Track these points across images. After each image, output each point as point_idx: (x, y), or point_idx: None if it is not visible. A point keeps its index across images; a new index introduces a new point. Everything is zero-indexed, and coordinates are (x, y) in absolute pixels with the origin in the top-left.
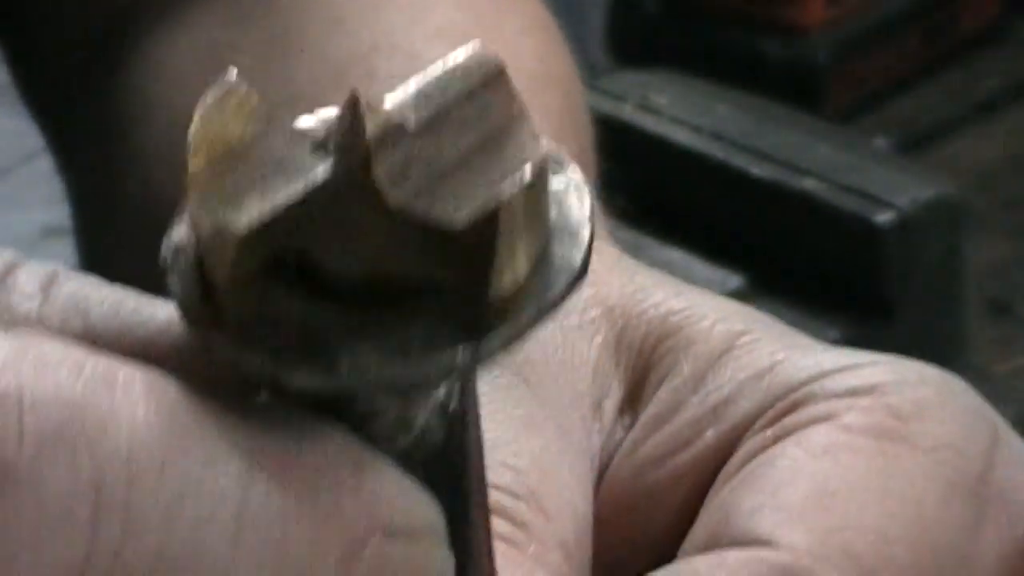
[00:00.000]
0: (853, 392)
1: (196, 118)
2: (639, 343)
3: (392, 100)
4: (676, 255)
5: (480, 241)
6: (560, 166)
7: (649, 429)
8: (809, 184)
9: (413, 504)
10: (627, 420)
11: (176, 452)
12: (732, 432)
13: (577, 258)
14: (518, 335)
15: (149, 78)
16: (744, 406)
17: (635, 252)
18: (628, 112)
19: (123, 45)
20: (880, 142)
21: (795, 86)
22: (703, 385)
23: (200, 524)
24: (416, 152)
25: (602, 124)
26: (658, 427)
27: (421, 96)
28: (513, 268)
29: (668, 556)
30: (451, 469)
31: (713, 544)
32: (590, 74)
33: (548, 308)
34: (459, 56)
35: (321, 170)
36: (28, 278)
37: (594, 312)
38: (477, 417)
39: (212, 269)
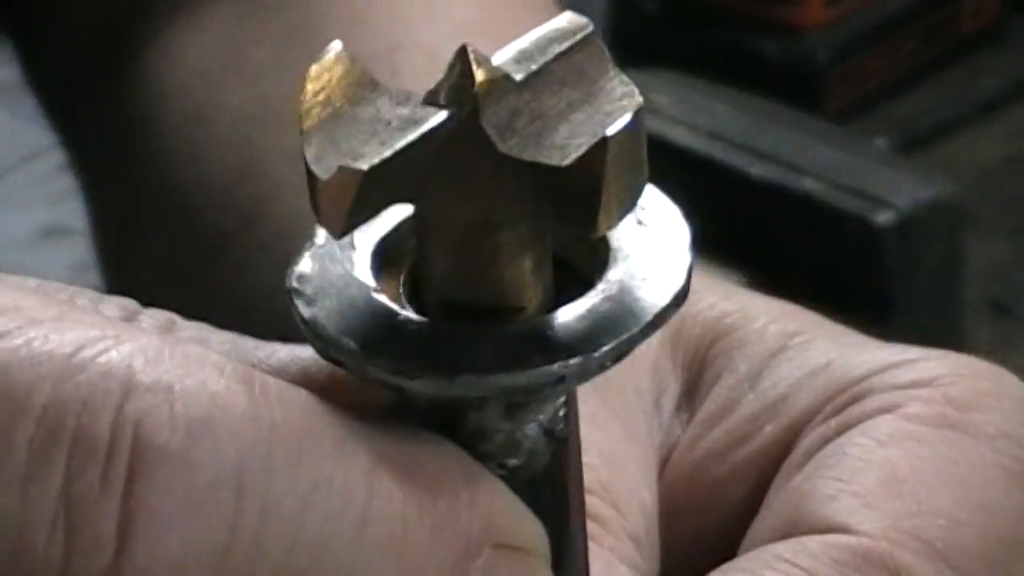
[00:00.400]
0: (911, 385)
1: (306, 87)
2: (694, 343)
3: (498, 58)
4: None
5: (587, 179)
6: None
7: (707, 425)
8: (809, 184)
9: (522, 523)
10: (684, 417)
11: (310, 448)
12: (790, 427)
13: (679, 281)
14: (626, 349)
15: (165, 71)
16: (801, 401)
17: None
18: None
19: (135, 38)
20: (880, 142)
21: (795, 86)
22: (759, 383)
23: (330, 516)
24: (521, 104)
25: None
26: (716, 423)
27: (523, 55)
28: (610, 217)
29: (730, 549)
30: (555, 492)
31: (790, 531)
32: None
33: (654, 323)
34: (556, 22)
35: (433, 119)
36: (149, 322)
37: None
38: (579, 442)
39: (326, 219)
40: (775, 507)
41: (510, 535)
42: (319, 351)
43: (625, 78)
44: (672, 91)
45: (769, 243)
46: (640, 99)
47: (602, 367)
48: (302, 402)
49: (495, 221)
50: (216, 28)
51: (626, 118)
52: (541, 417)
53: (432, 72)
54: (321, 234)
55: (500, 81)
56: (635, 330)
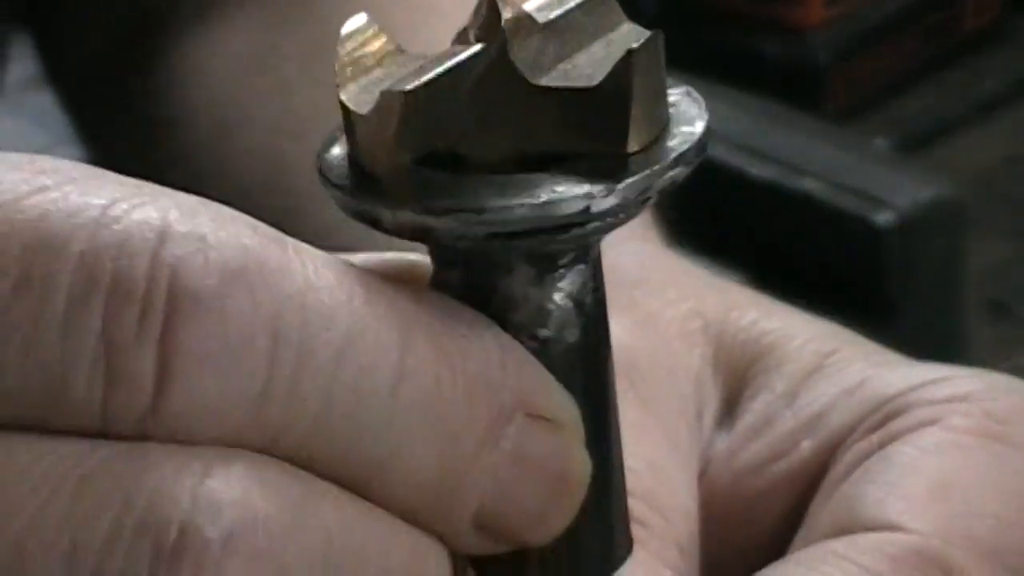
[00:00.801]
0: (949, 399)
1: (339, 52)
2: (735, 360)
3: (524, 6)
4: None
5: (615, 96)
6: (674, 81)
7: (745, 439)
8: (809, 184)
9: (555, 395)
10: (723, 431)
11: (343, 302)
12: (827, 443)
13: (696, 131)
14: (646, 184)
15: (190, 79)
16: (837, 419)
17: None
18: None
19: (157, 44)
20: (880, 142)
21: (795, 86)
22: (796, 400)
23: (364, 370)
24: (545, 43)
25: None
26: (754, 438)
27: (544, 4)
28: (639, 129)
29: (767, 561)
30: (587, 369)
31: (841, 532)
32: None
33: (674, 162)
34: None
35: (466, 52)
36: None
37: (693, 324)
38: (607, 321)
39: (370, 156)
40: (823, 513)
41: (542, 405)
42: (345, 207)
43: (641, 28)
44: None
45: (769, 243)
46: (655, 34)
47: (626, 201)
48: (336, 263)
49: (531, 150)
50: (241, 36)
51: (647, 34)
52: (570, 287)
53: None
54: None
55: (525, 20)
56: (656, 167)
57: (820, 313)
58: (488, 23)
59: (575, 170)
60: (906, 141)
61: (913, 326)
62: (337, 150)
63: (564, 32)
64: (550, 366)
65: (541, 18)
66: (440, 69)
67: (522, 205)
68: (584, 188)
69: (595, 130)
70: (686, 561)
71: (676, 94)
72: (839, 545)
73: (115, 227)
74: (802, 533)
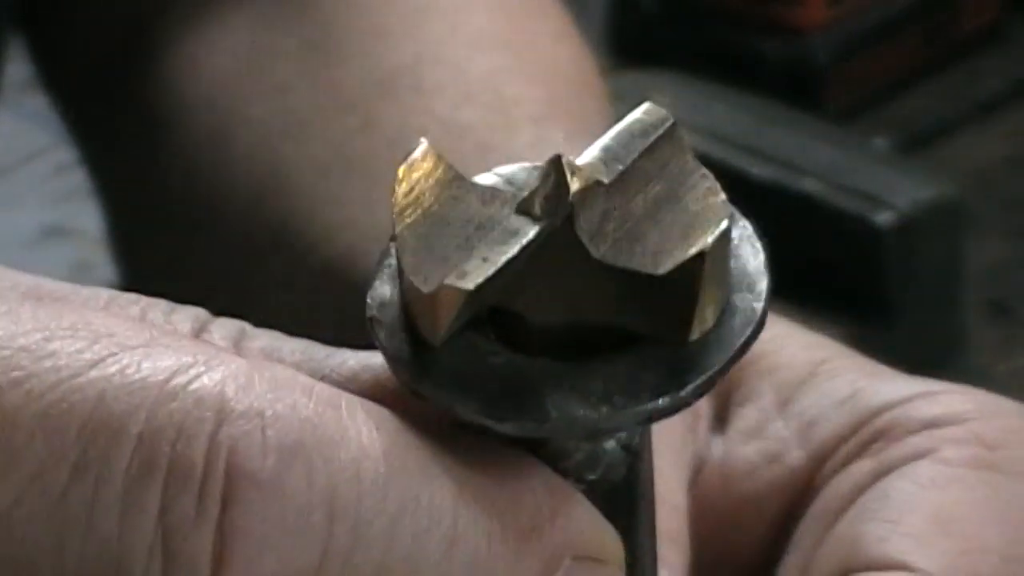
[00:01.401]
0: (938, 422)
1: (396, 187)
2: None
3: (584, 159)
4: None
5: (682, 289)
6: (734, 217)
7: (737, 444)
8: (809, 184)
9: (601, 534)
10: (716, 435)
11: (398, 469)
12: (818, 453)
13: (758, 308)
14: (709, 385)
15: (186, 77)
16: (828, 429)
17: None
18: (628, 112)
19: (153, 44)
20: (880, 142)
21: (795, 86)
22: (788, 408)
23: (419, 536)
24: (611, 206)
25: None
26: (746, 443)
27: (608, 154)
28: (703, 318)
29: (756, 565)
30: (630, 502)
31: (846, 572)
32: None
33: (734, 358)
34: (636, 115)
35: (530, 231)
36: (221, 331)
37: None
38: (651, 452)
39: (423, 324)
40: (824, 554)
41: (590, 547)
42: (404, 385)
43: (705, 170)
44: (672, 91)
45: (769, 243)
46: (725, 198)
47: (687, 403)
48: (388, 423)
49: (588, 321)
50: (237, 35)
51: (721, 226)
52: (621, 435)
53: (457, 87)
54: (395, 252)
55: (592, 188)
56: (718, 367)
57: (820, 313)
58: (555, 194)
59: (636, 365)
60: (906, 141)
61: (913, 326)
62: (387, 290)
63: (630, 189)
64: (594, 501)
65: (608, 176)
66: (504, 260)
67: (584, 415)
68: (646, 401)
69: (657, 316)
70: (677, 556)
71: (736, 233)
72: None
73: (173, 405)
74: (794, 558)
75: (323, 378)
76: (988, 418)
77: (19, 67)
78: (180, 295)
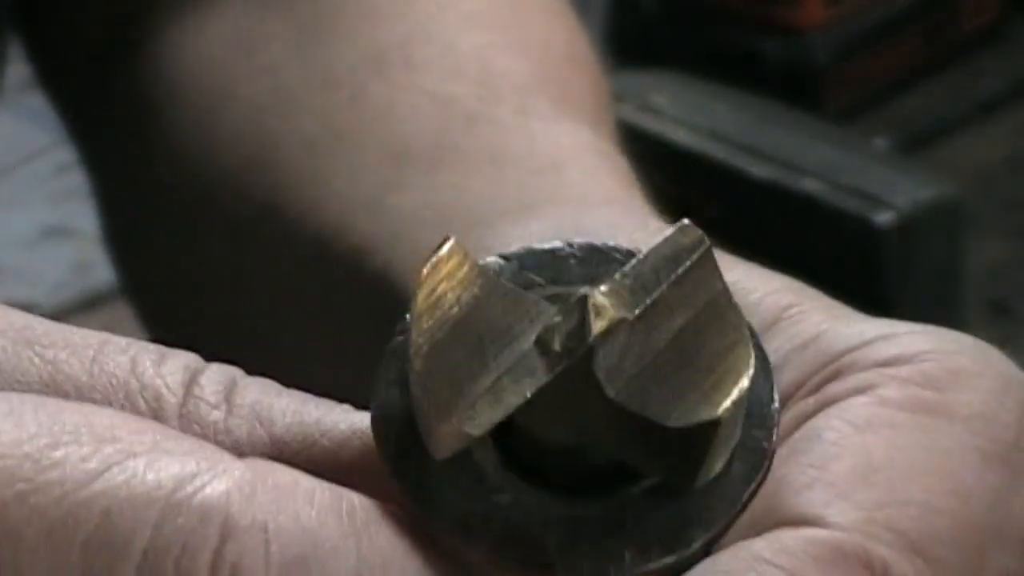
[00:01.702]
0: (891, 362)
1: (420, 287)
2: None
3: (610, 292)
4: None
5: (693, 442)
6: (753, 340)
7: None
8: (809, 184)
9: None
10: None
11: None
12: (781, 398)
13: (767, 448)
14: (715, 539)
15: (175, 63)
16: (789, 375)
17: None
18: (628, 112)
19: (145, 28)
20: (880, 142)
21: (795, 86)
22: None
23: None
24: (633, 342)
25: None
26: None
27: (639, 282)
28: (711, 467)
29: None
30: None
31: (768, 519)
32: None
33: (741, 510)
34: (672, 234)
35: (545, 373)
36: (211, 385)
37: None
38: None
39: (427, 440)
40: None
41: None
42: (406, 508)
43: (734, 303)
44: (672, 91)
45: (769, 243)
46: (750, 337)
47: (694, 560)
48: (386, 529)
49: (593, 450)
50: (226, 20)
51: (741, 385)
52: None
53: (445, 63)
54: (408, 354)
55: (615, 326)
56: (724, 521)
57: None
58: (578, 334)
59: (642, 512)
60: (906, 141)
61: None
62: (394, 394)
63: (655, 322)
64: None
65: (634, 307)
66: (515, 403)
67: (589, 570)
68: (653, 560)
69: (665, 460)
70: None
71: (752, 365)
72: (764, 548)
73: (178, 521)
74: None
75: (314, 445)
76: (941, 358)
77: (19, 67)
78: (171, 282)
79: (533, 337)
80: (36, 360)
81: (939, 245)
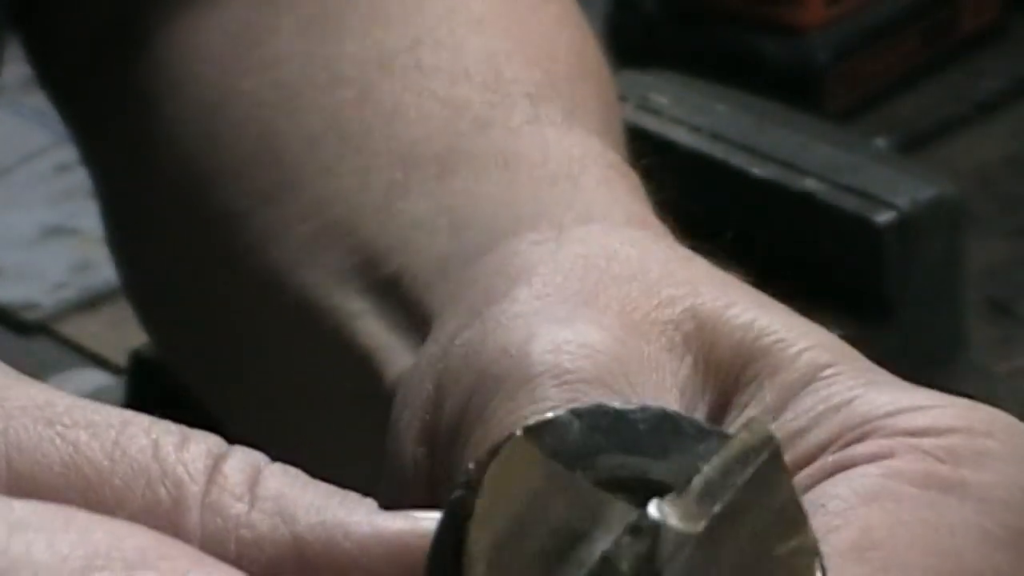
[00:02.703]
0: (917, 432)
1: (485, 482)
2: (727, 364)
3: (679, 504)
4: None
5: None
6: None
7: None
8: (809, 184)
9: None
10: None
11: None
12: (804, 458)
13: None
14: None
15: (176, 57)
16: (818, 436)
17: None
18: (628, 112)
19: (147, 23)
20: (880, 142)
21: (795, 86)
22: (783, 414)
23: None
24: (697, 558)
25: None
26: None
27: (707, 489)
28: None
29: None
30: None
31: None
32: None
33: None
34: (742, 435)
35: None
36: (234, 474)
37: (687, 328)
38: None
39: None
40: None
41: None
42: None
43: (802, 508)
44: (672, 91)
45: (769, 243)
46: (815, 550)
47: None
48: None
49: None
50: (228, 13)
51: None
52: None
53: (455, 68)
54: (465, 551)
55: (681, 543)
56: None
57: (820, 313)
58: (647, 555)
59: None
60: (906, 141)
61: (912, 325)
62: (449, 557)
63: (721, 532)
64: None
65: (701, 519)
66: None
67: None
68: None
69: None
70: None
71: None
72: None
73: None
74: None
75: (336, 547)
76: (970, 437)
77: (19, 67)
78: (170, 280)
79: (598, 543)
80: (57, 441)
81: (939, 244)
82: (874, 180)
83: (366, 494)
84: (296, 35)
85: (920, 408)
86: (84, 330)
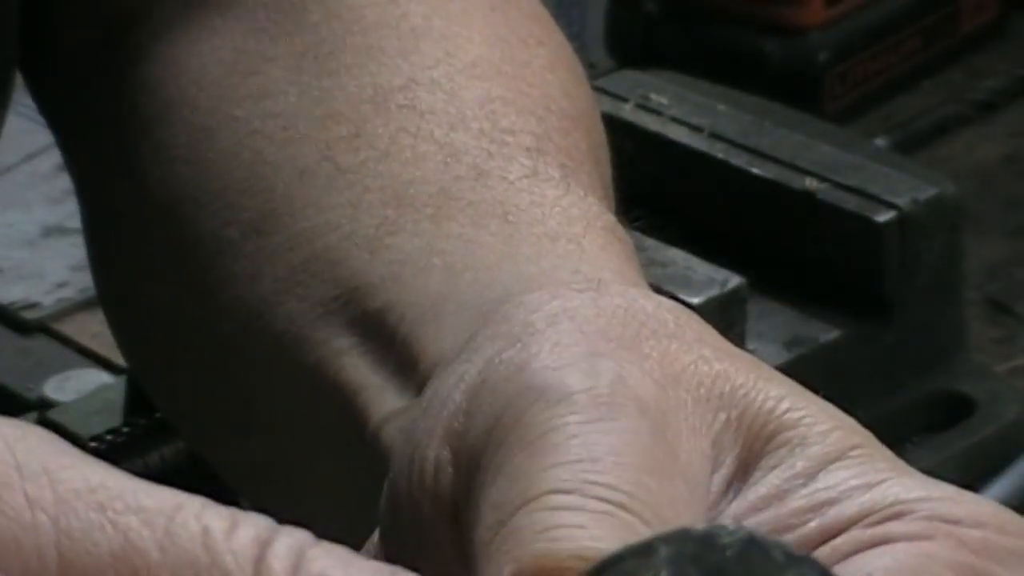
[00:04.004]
0: (954, 520)
1: None
2: (758, 428)
3: None
4: (676, 255)
5: None
6: None
7: (754, 508)
8: (810, 183)
9: None
10: (731, 495)
11: None
12: (833, 528)
13: None
14: None
15: (168, 79)
16: (849, 508)
17: (636, 252)
18: (628, 112)
19: (136, 47)
20: (880, 142)
21: (795, 86)
22: (814, 482)
23: None
24: None
25: (602, 124)
26: (764, 508)
27: None
28: None
29: None
30: None
31: None
32: (590, 74)
33: None
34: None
35: None
36: (279, 561)
37: (722, 388)
38: None
39: None
40: None
41: None
42: None
43: None
44: (672, 91)
45: (769, 243)
46: None
47: None
48: None
49: None
50: (223, 40)
51: None
52: None
53: (450, 111)
54: None
55: None
56: None
57: (820, 313)
58: None
59: None
60: (906, 141)
61: (912, 325)
62: None
63: None
64: None
65: None
66: None
67: None
68: None
69: None
70: None
71: None
72: None
73: None
74: None
75: None
76: (1003, 533)
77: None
78: (149, 300)
79: None
80: (108, 528)
81: (939, 244)
82: (874, 180)
83: (341, 530)
84: (291, 67)
85: (955, 498)
86: (84, 330)
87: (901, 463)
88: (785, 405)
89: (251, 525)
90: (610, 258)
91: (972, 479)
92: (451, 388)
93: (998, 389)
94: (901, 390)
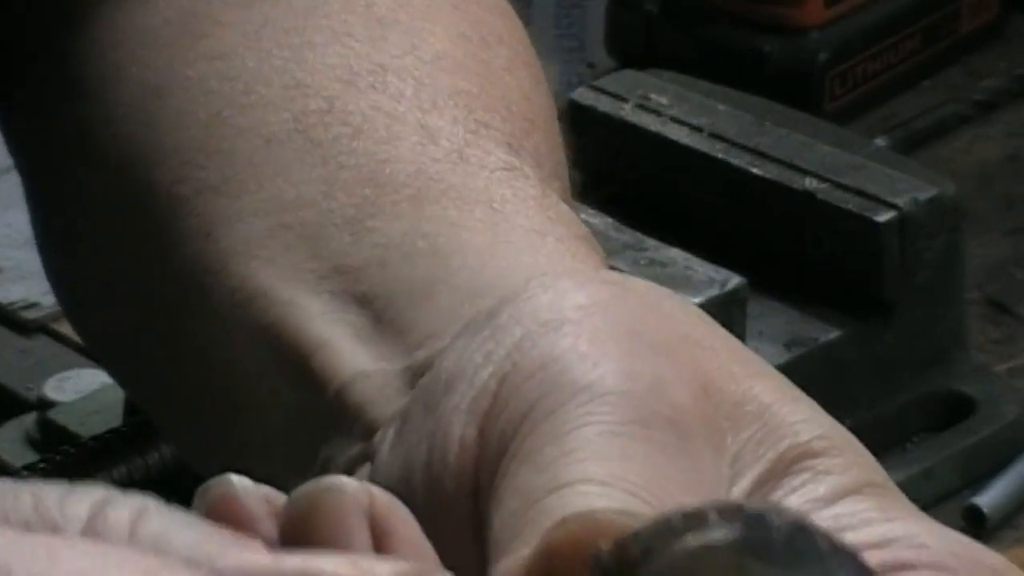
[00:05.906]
0: (971, 561)
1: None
2: (783, 450)
3: None
4: (676, 255)
5: None
6: None
7: None
8: (810, 183)
9: None
10: None
11: None
12: None
13: None
14: None
15: (116, 42)
16: (864, 535)
17: (635, 252)
18: (628, 112)
19: (82, 12)
20: (880, 142)
21: (795, 86)
22: (833, 508)
23: None
24: None
25: (602, 124)
26: None
27: None
28: None
29: None
30: None
31: None
32: (590, 74)
33: None
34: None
35: None
36: (115, 517)
37: (749, 407)
38: None
39: None
40: None
41: None
42: None
43: None
44: (672, 91)
45: (769, 243)
46: None
47: None
48: None
49: None
50: (167, 3)
51: None
52: None
53: (422, 96)
54: None
55: None
56: None
57: (820, 313)
58: None
59: None
60: (906, 141)
61: (912, 324)
62: None
63: None
64: None
65: None
66: None
67: None
68: None
69: None
70: None
71: None
72: None
73: None
74: None
75: None
76: None
77: None
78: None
79: None
80: None
81: (939, 244)
82: (874, 180)
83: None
84: (248, 33)
85: (965, 543)
86: None
87: (911, 504)
88: (811, 432)
89: (87, 495)
90: (597, 265)
91: (972, 479)
92: (478, 367)
93: (998, 389)
94: (901, 390)
